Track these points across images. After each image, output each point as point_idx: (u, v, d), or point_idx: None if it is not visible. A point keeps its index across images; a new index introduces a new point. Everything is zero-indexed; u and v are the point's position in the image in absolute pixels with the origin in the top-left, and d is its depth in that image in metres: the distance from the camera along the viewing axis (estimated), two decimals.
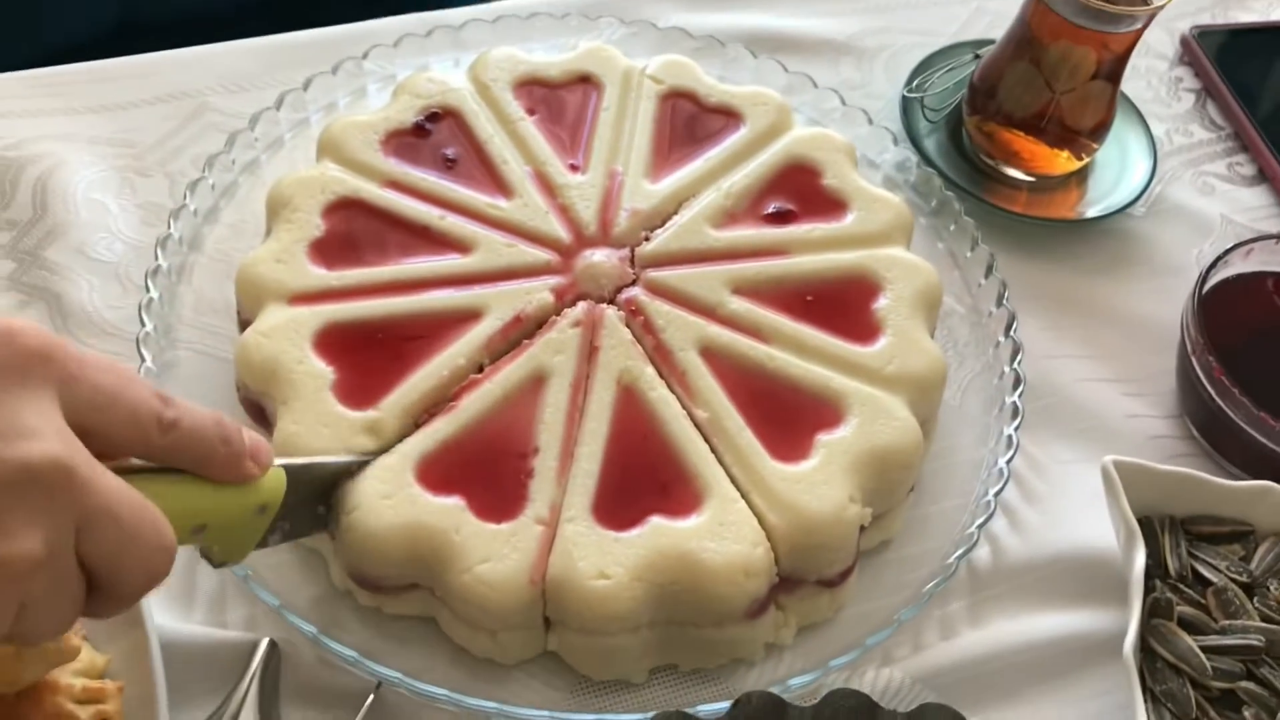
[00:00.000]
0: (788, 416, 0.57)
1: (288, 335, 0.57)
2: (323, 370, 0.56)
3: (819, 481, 0.55)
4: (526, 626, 0.53)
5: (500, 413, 0.56)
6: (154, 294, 0.62)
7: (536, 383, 0.57)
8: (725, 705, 0.50)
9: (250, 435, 0.45)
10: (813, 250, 0.63)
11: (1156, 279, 0.73)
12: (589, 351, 0.59)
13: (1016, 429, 0.62)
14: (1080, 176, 0.77)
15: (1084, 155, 0.76)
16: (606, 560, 0.52)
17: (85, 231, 0.68)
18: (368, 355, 0.57)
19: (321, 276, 0.59)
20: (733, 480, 0.55)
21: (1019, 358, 0.65)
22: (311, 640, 0.53)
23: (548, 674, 0.55)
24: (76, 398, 0.39)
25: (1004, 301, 0.67)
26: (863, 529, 0.56)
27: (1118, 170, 0.78)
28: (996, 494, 0.60)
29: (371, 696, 0.53)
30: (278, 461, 0.47)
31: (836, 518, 0.54)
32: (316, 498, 0.52)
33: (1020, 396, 0.63)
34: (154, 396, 0.41)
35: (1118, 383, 0.69)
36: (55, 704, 0.47)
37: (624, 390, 0.58)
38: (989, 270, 0.68)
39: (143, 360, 0.60)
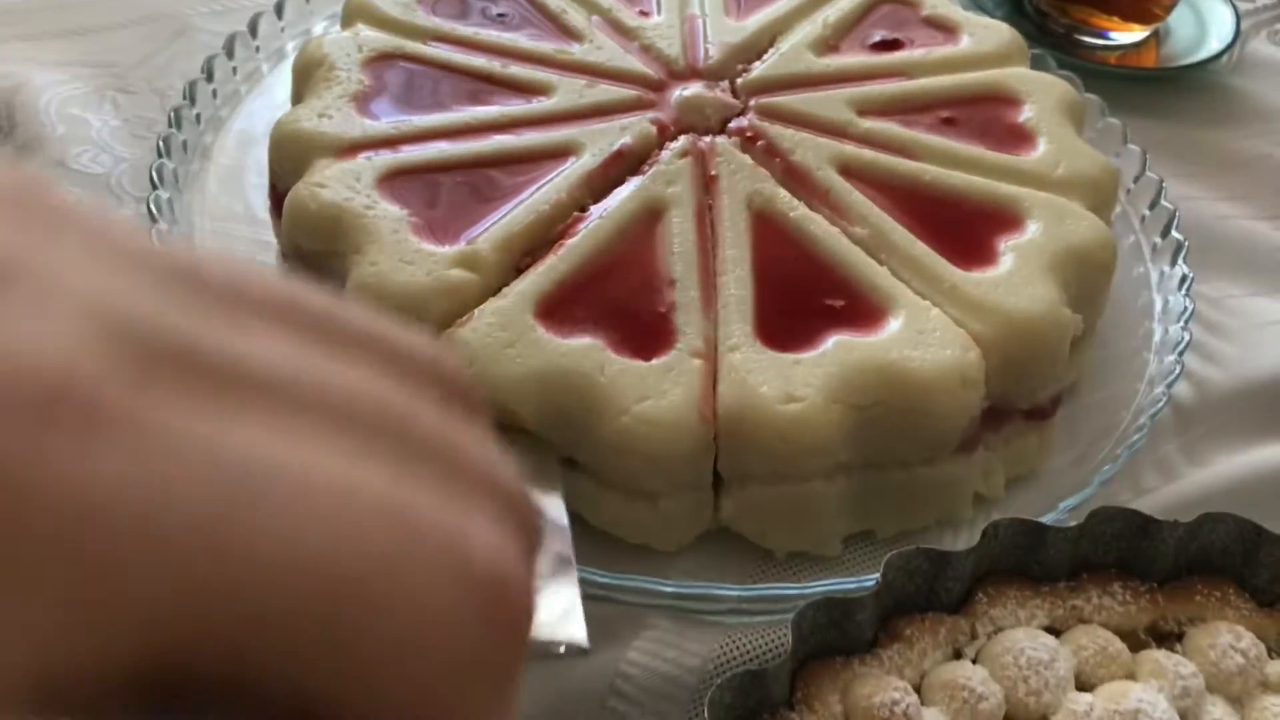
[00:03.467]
0: (958, 227, 0.48)
1: (347, 183, 0.47)
2: (397, 213, 0.46)
3: (1020, 283, 0.45)
4: (695, 485, 0.42)
5: (618, 247, 0.46)
6: (162, 192, 0.51)
7: (652, 215, 0.47)
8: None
9: None
10: (934, 72, 0.55)
11: (1263, 123, 0.67)
12: (705, 181, 0.49)
13: (1185, 259, 0.54)
14: (1155, 40, 0.72)
15: (1152, 23, 0.71)
16: (791, 383, 0.42)
17: (63, 145, 0.57)
18: (447, 199, 0.47)
19: (377, 125, 0.49)
20: (916, 294, 0.45)
21: (1163, 193, 0.57)
22: None
23: (717, 561, 0.44)
24: None
25: (1128, 141, 0.59)
26: (1073, 346, 0.46)
27: (1195, 33, 0.72)
28: (1186, 321, 0.52)
29: None
30: None
31: (1051, 319, 0.45)
32: None
33: (1178, 230, 0.55)
34: None
35: (1265, 220, 0.62)
36: None
37: (758, 215, 0.48)
38: (1102, 113, 0.60)
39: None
